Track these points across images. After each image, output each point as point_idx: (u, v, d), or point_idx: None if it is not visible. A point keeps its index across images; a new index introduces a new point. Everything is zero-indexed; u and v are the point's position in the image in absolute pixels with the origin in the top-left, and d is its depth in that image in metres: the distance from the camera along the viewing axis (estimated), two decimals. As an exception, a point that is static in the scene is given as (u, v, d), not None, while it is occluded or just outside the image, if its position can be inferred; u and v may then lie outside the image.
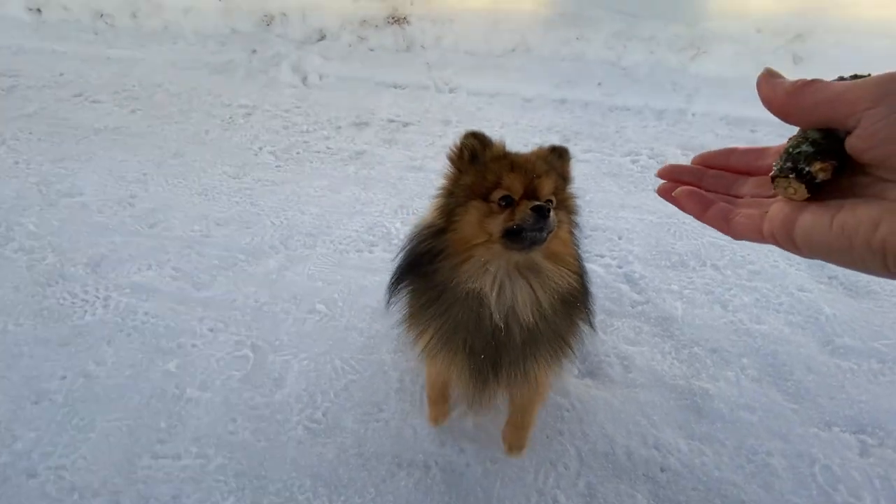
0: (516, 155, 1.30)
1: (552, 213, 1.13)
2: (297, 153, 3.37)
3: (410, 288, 1.38)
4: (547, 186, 1.21)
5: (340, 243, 2.59)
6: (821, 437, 1.76)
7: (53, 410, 1.79)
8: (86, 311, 2.16)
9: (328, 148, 3.44)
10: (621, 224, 2.77)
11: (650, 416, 1.82)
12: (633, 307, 2.25)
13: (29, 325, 2.10)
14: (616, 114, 3.93)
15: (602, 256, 2.53)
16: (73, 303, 2.20)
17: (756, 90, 0.47)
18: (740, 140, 3.55)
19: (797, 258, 2.51)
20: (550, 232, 1.15)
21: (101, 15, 5.01)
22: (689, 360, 2.02)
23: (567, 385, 1.88)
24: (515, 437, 1.64)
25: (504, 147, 1.30)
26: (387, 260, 2.35)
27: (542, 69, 4.31)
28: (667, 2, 4.24)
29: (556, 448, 1.71)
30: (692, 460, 1.69)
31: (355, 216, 2.78)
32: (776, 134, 3.61)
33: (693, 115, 3.84)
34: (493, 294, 1.19)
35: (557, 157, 1.33)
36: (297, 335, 2.08)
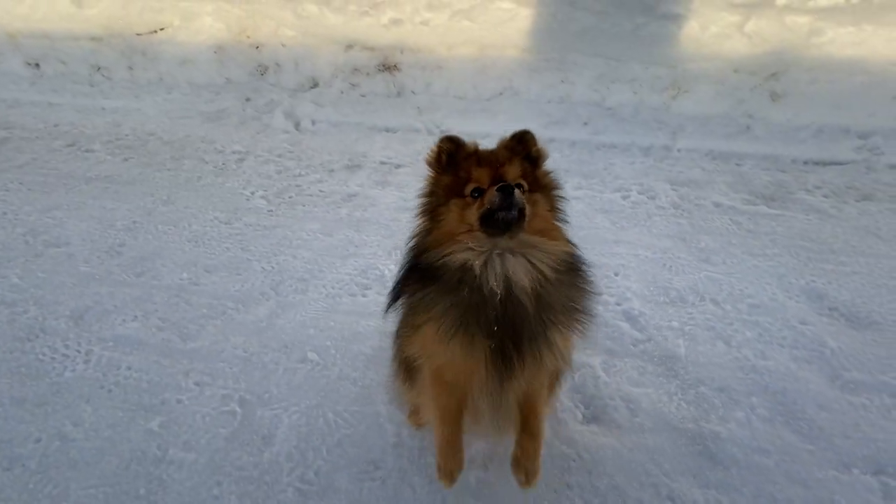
0: (483, 150, 1.41)
1: (517, 192, 1.24)
2: (290, 197, 3.37)
3: (406, 294, 1.40)
4: (512, 172, 1.33)
5: (333, 287, 2.53)
6: (841, 481, 1.68)
7: (26, 478, 1.67)
8: (65, 367, 2.06)
9: (321, 191, 3.44)
10: (616, 260, 2.75)
11: (661, 464, 1.72)
12: (634, 346, 2.20)
13: (5, 384, 1.99)
14: (603, 151, 4.00)
15: (599, 294, 2.49)
16: (52, 358, 2.11)
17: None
18: (727, 174, 3.61)
19: (795, 289, 2.49)
20: (521, 210, 1.24)
21: (99, 68, 5.12)
22: (696, 401, 1.95)
23: (572, 433, 1.80)
24: (531, 459, 1.39)
25: (476, 146, 1.40)
26: (381, 304, 2.29)
27: (529, 111, 4.42)
28: (646, 46, 4.42)
29: None
30: (709, 512, 1.59)
31: (348, 259, 2.74)
32: (761, 168, 3.69)
33: (679, 150, 3.92)
34: (479, 264, 1.25)
35: (519, 143, 1.42)
36: (288, 387, 1.98)
